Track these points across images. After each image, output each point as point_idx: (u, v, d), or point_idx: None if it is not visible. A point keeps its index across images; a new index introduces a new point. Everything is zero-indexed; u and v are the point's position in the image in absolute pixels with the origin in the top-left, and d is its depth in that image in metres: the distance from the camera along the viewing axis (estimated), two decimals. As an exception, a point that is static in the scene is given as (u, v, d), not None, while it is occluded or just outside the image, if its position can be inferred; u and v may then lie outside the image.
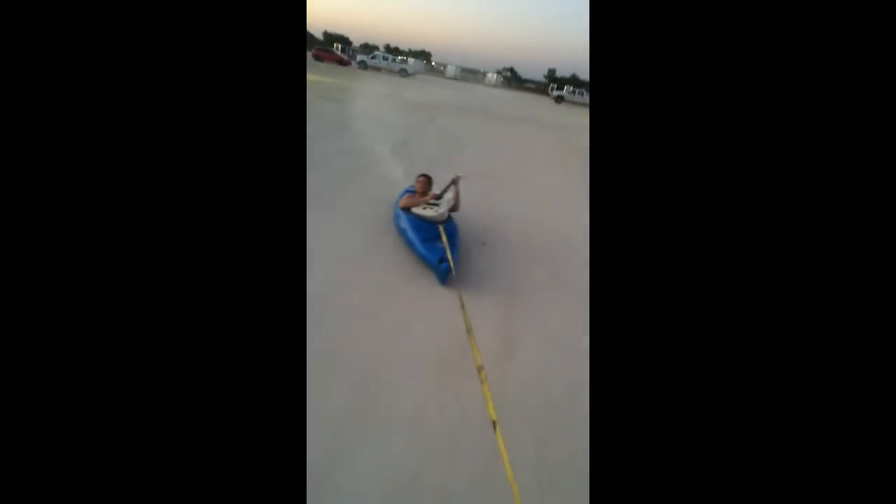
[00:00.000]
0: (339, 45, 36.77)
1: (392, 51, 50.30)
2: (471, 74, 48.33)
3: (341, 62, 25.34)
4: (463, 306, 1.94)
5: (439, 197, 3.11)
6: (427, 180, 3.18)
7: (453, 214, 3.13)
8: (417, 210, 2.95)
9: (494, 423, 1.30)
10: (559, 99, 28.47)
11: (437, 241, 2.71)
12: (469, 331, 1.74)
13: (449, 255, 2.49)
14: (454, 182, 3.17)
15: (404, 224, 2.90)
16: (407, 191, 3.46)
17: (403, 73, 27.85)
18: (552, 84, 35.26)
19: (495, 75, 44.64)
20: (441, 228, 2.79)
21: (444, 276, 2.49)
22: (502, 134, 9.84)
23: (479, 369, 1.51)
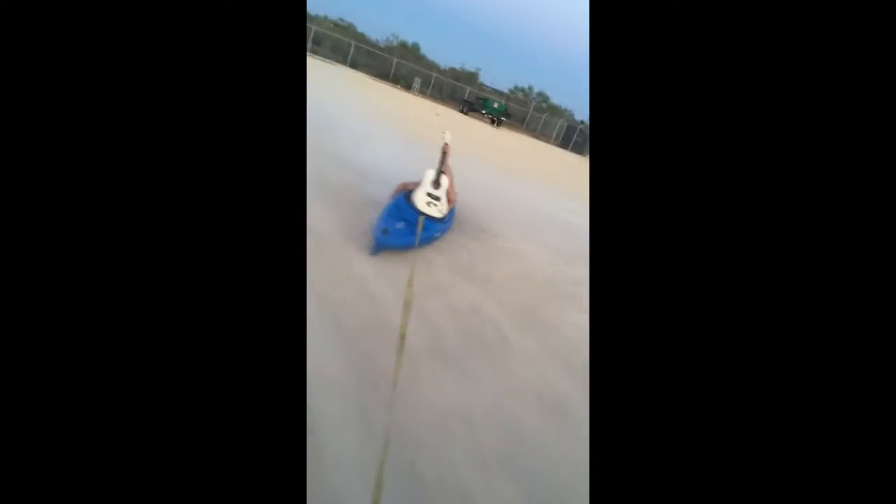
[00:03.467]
0: None
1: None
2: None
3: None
4: (410, 284, 1.98)
5: (438, 182, 2.95)
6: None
7: (453, 206, 2.95)
8: (421, 205, 2.82)
9: (394, 384, 1.33)
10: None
11: (402, 222, 2.59)
12: (406, 305, 1.78)
13: (417, 238, 2.46)
14: (444, 155, 2.99)
15: (391, 204, 2.77)
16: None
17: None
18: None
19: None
20: (421, 218, 2.74)
21: (376, 246, 2.36)
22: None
23: (402, 337, 1.55)
